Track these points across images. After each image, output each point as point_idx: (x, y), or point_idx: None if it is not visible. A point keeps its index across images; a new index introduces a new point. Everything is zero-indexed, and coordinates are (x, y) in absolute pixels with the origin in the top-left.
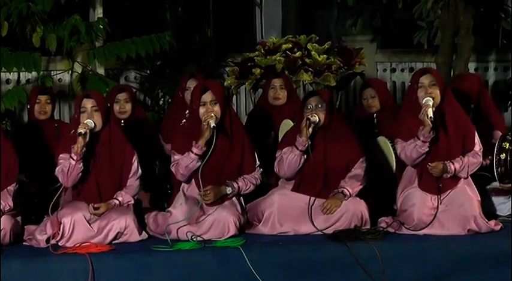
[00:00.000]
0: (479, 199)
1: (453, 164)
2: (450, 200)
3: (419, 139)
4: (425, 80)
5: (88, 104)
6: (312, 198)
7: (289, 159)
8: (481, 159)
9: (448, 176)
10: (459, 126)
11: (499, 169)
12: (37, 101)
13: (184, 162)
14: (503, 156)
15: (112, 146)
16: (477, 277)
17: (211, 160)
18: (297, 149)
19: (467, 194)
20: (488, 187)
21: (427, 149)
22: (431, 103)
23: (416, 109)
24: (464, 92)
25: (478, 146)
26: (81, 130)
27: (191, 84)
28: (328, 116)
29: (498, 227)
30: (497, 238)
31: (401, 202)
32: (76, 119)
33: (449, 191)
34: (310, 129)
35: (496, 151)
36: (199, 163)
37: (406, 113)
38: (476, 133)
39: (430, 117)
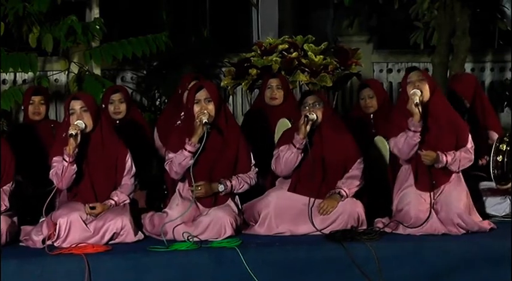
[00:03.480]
0: (469, 197)
1: (445, 156)
2: (440, 201)
3: (410, 130)
4: (413, 76)
5: (76, 105)
6: (312, 199)
7: (286, 157)
8: (473, 156)
9: (439, 166)
10: (450, 122)
11: (495, 171)
12: (31, 102)
13: (178, 159)
14: (499, 158)
15: (104, 146)
16: (474, 277)
17: (203, 157)
18: (294, 146)
19: (454, 193)
20: (482, 186)
21: (419, 139)
22: (419, 94)
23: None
24: (460, 92)
25: (470, 144)
26: (71, 131)
27: None
28: (326, 114)
29: (489, 227)
30: (494, 239)
31: (397, 203)
32: (66, 122)
33: (442, 188)
34: (308, 127)
35: (493, 153)
36: (192, 161)
37: (398, 112)
38: (468, 131)
39: (416, 103)
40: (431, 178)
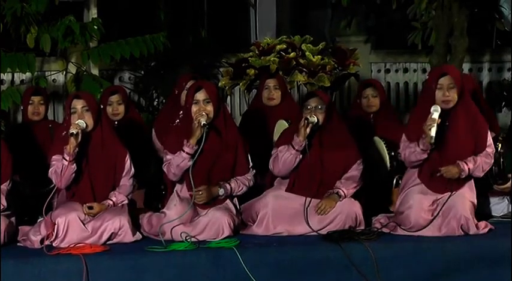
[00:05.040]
0: (475, 201)
1: (466, 164)
2: (448, 201)
3: (418, 146)
4: (444, 81)
5: (78, 104)
6: (308, 199)
7: (284, 157)
8: (493, 160)
9: (463, 176)
10: (472, 126)
11: (492, 169)
12: (30, 102)
13: (176, 161)
14: (496, 156)
15: (104, 146)
16: (472, 278)
17: (201, 158)
18: (293, 148)
19: (462, 195)
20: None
21: (426, 156)
22: (437, 116)
23: (430, 109)
24: None
25: (490, 148)
26: (72, 130)
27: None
28: (327, 117)
29: (486, 230)
30: (492, 239)
31: (399, 203)
32: (67, 120)
33: (448, 193)
34: (308, 130)
35: None
36: (191, 162)
37: (419, 112)
38: (489, 134)
39: (432, 137)
40: (448, 182)
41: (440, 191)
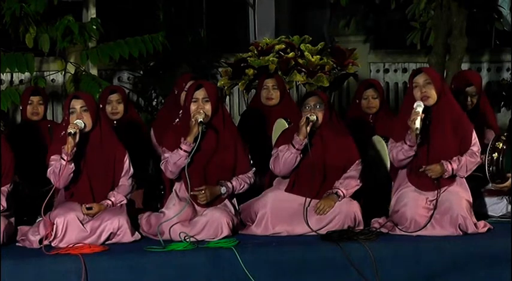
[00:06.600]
0: (470, 199)
1: (450, 164)
2: (441, 201)
3: (405, 143)
4: (419, 79)
5: (77, 104)
6: (308, 199)
7: (285, 157)
8: (479, 159)
9: (446, 176)
10: (457, 125)
11: (490, 168)
12: (29, 102)
13: (173, 159)
14: (495, 155)
15: (103, 146)
16: (470, 278)
17: (197, 156)
18: (294, 147)
19: (457, 194)
20: (482, 189)
21: (413, 153)
22: (420, 110)
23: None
24: (470, 90)
25: (476, 147)
26: (70, 130)
27: None
28: (327, 116)
29: (485, 229)
30: (491, 239)
31: (394, 202)
32: (66, 120)
33: (445, 188)
34: (308, 128)
35: (489, 150)
36: (188, 160)
37: (404, 113)
38: (474, 133)
39: (417, 128)
40: (435, 181)
41: (431, 189)
